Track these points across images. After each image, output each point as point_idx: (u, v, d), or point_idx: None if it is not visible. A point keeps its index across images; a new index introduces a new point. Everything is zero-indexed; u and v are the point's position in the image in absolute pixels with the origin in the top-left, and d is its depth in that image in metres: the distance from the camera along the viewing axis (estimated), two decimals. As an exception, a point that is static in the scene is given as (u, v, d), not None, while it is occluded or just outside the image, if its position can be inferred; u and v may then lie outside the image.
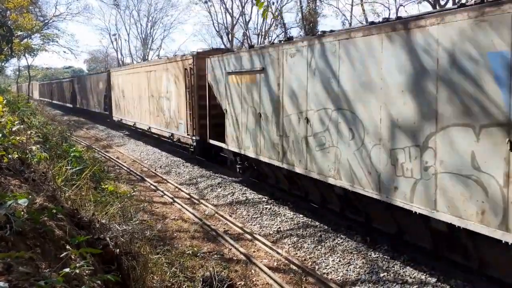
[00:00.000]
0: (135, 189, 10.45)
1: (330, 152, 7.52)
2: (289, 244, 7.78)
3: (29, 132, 7.70)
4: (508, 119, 4.69)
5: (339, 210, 8.38)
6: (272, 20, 32.38)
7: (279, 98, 8.98)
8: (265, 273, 6.67)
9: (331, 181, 7.57)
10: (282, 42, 9.14)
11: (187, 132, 14.46)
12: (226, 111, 11.60)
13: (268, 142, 9.52)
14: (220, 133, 12.22)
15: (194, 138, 14.05)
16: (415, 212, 5.89)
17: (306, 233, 8.10)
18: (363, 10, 29.10)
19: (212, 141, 12.84)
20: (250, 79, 10.15)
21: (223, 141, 11.90)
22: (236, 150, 11.21)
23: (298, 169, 8.48)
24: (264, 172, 10.81)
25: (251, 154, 10.37)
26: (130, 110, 21.81)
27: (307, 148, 8.16)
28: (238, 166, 11.78)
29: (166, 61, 16.59)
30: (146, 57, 52.69)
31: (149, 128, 18.81)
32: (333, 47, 7.30)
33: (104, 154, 17.87)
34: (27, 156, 5.46)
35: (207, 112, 13.00)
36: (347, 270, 6.65)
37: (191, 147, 14.51)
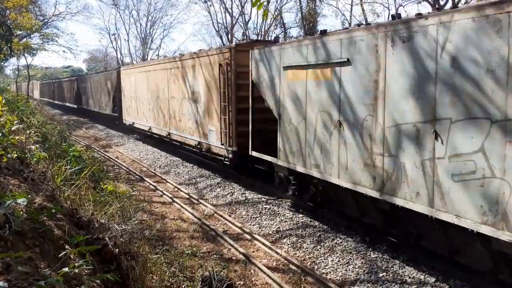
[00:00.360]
0: (134, 189, 10.45)
1: (487, 186, 4.97)
2: (288, 244, 7.78)
3: (28, 132, 7.71)
4: None
5: (492, 271, 5.67)
6: (272, 20, 32.41)
7: (377, 100, 6.46)
8: (264, 273, 6.67)
9: (485, 230, 5.00)
10: (385, 22, 6.69)
11: (221, 141, 11.94)
12: (280, 116, 9.11)
13: (355, 161, 6.96)
14: (265, 143, 10.08)
15: (230, 149, 11.55)
16: None
17: (305, 233, 8.11)
18: (363, 10, 29.11)
19: (255, 154, 10.35)
20: (323, 74, 7.65)
21: (273, 154, 9.46)
22: (294, 168, 8.75)
23: (416, 206, 5.89)
24: (338, 199, 8.31)
25: (320, 175, 7.91)
26: (144, 113, 19.26)
27: (433, 176, 5.60)
28: (292, 187, 9.26)
29: (192, 56, 13.96)
30: (146, 57, 52.68)
31: (169, 134, 16.31)
32: (497, 23, 4.75)
33: (103, 154, 17.86)
34: (26, 155, 5.47)
35: (249, 118, 10.59)
36: (346, 270, 6.65)
37: (226, 159, 12.02)
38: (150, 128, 18.65)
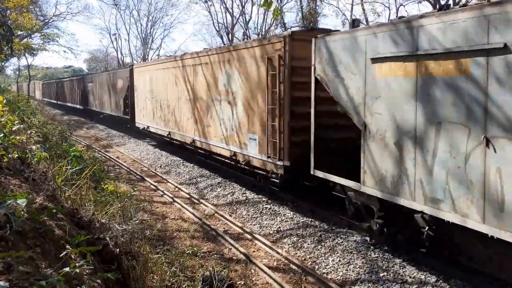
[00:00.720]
0: (135, 189, 10.46)
1: None
2: (289, 244, 7.79)
3: (29, 132, 7.71)
4: None
5: None
6: (272, 19, 32.42)
7: None
8: (265, 272, 6.67)
9: None
10: None
11: (267, 152, 9.79)
12: (366, 126, 6.95)
13: None
14: (329, 158, 8.13)
15: (280, 163, 9.35)
16: None
17: (306, 233, 8.11)
18: (363, 9, 29.16)
19: (321, 174, 8.09)
20: (452, 68, 5.42)
21: (355, 178, 7.21)
22: (391, 198, 6.46)
23: None
24: (470, 249, 5.90)
25: (450, 215, 5.52)
26: (162, 116, 17.05)
27: None
28: (378, 220, 7.11)
29: (228, 49, 11.67)
30: (146, 57, 52.69)
31: (193, 141, 14.06)
32: None
33: (104, 154, 17.87)
34: (27, 155, 5.48)
35: (311, 124, 8.34)
36: (346, 270, 6.65)
37: (273, 175, 9.83)
38: (169, 134, 16.24)
